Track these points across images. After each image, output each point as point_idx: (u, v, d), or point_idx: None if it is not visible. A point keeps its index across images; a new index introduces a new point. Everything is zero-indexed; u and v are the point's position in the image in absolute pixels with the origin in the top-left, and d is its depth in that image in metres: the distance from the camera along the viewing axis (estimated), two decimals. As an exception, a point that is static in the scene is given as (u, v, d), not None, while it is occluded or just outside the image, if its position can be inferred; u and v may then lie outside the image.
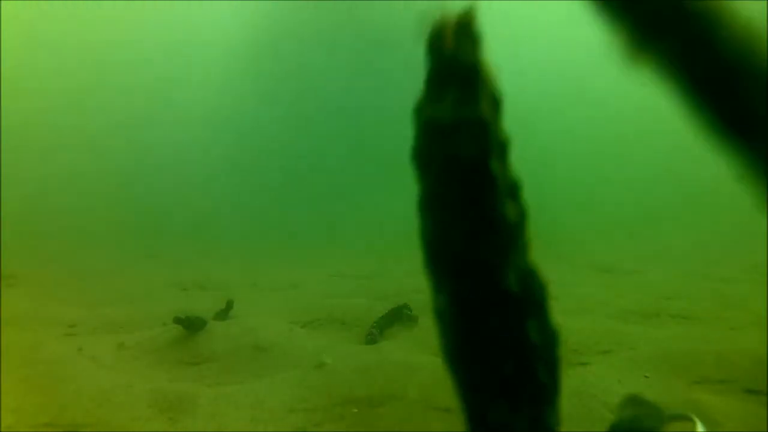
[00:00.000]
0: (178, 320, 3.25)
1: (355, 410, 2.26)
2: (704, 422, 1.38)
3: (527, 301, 0.55)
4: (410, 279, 5.72)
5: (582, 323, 3.45)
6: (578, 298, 4.37)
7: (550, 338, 0.58)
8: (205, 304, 3.97)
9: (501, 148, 0.51)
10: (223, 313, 3.73)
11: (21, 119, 16.36)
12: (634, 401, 1.52)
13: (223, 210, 12.63)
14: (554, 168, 21.88)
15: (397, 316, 3.68)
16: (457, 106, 0.47)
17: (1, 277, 5.15)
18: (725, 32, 0.38)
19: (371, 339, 3.28)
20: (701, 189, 17.35)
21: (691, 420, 1.40)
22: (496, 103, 0.51)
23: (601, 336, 3.18)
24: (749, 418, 2.11)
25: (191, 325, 3.24)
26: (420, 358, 2.70)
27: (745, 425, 2.05)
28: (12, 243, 6.89)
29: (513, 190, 0.54)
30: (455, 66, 0.48)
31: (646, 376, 2.56)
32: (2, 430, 2.07)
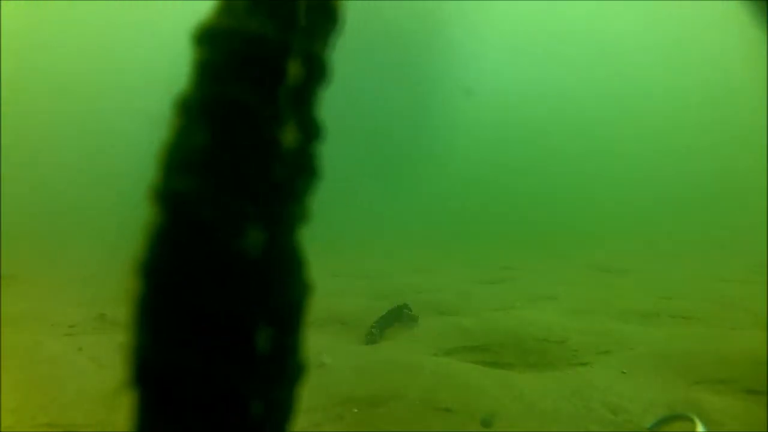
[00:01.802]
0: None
1: (355, 410, 2.26)
2: (704, 422, 1.38)
3: (269, 288, 0.34)
4: (410, 279, 5.73)
5: (582, 323, 3.45)
6: (578, 298, 4.38)
7: (288, 362, 0.38)
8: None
9: (311, 61, 0.35)
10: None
11: (21, 119, 16.35)
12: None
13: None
14: (554, 168, 21.88)
15: (397, 316, 3.68)
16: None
17: (1, 277, 5.15)
18: None
19: (371, 339, 3.28)
20: (701, 189, 17.35)
21: (691, 420, 1.40)
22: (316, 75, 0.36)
23: (601, 336, 3.18)
24: (749, 418, 2.11)
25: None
26: (420, 358, 2.70)
27: (745, 425, 2.05)
28: (12, 243, 6.89)
29: (308, 123, 0.36)
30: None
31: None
32: (2, 430, 2.07)
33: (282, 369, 0.37)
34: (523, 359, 2.93)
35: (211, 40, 0.34)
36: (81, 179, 15.26)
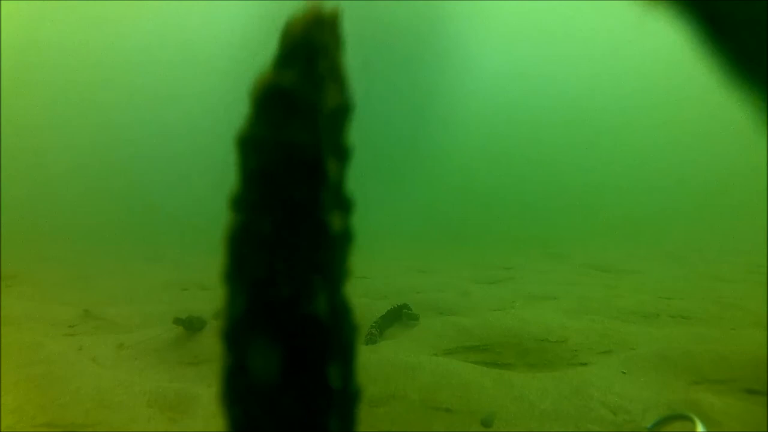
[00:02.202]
0: (178, 321, 3.25)
1: (355, 410, 2.26)
2: (704, 422, 1.38)
3: (335, 340, 0.44)
4: (410, 279, 5.73)
5: (582, 323, 3.45)
6: (578, 298, 4.38)
7: (352, 392, 0.47)
8: (205, 304, 3.97)
9: (340, 151, 0.44)
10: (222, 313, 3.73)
11: (21, 119, 16.35)
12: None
13: (223, 210, 12.62)
14: (554, 168, 21.87)
15: (397, 316, 3.68)
16: (295, 96, 0.41)
17: (1, 277, 5.15)
18: None
19: (371, 339, 3.28)
20: (701, 189, 17.35)
21: (691, 420, 1.40)
22: (344, 103, 0.44)
23: (601, 336, 3.18)
24: (749, 418, 2.11)
25: (191, 325, 3.24)
26: (420, 358, 2.70)
27: (745, 425, 2.05)
28: (12, 243, 6.89)
29: (344, 204, 0.45)
30: (300, 46, 0.42)
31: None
32: (2, 430, 2.07)
33: (348, 394, 0.47)
34: (523, 359, 2.93)
35: (254, 148, 0.42)
36: (81, 179, 15.26)
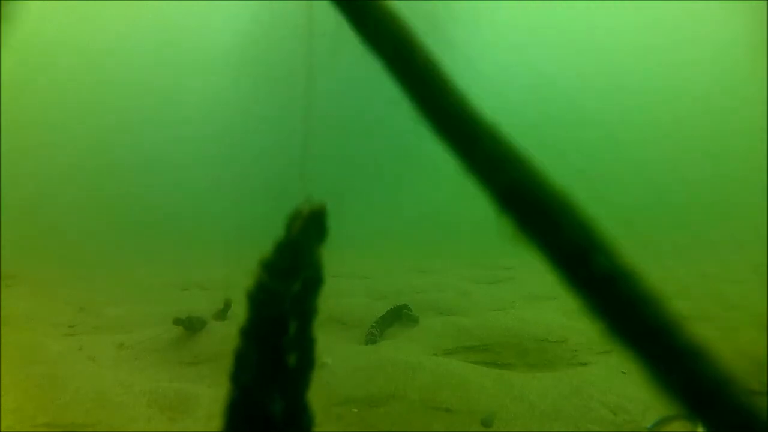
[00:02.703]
0: (178, 321, 3.25)
1: (355, 410, 2.26)
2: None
3: (288, 429, 0.69)
4: (410, 279, 5.73)
5: (582, 323, 3.45)
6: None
7: None
8: (205, 304, 3.97)
9: (305, 313, 0.71)
10: (222, 313, 3.74)
11: (21, 119, 16.36)
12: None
13: (223, 210, 12.64)
14: (554, 167, 21.87)
15: (397, 316, 3.68)
16: (281, 279, 0.69)
17: (1, 277, 5.15)
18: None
19: (371, 339, 3.28)
20: (701, 189, 17.36)
21: (691, 420, 1.40)
22: (312, 284, 0.72)
23: (601, 336, 3.17)
24: (749, 418, 2.11)
25: (191, 325, 3.24)
26: (420, 358, 2.70)
27: (745, 425, 2.05)
28: (12, 243, 6.89)
29: (304, 344, 0.71)
30: (294, 250, 0.70)
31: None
32: (2, 430, 2.07)
33: (299, 415, 0.72)
34: (523, 359, 2.94)
35: (253, 303, 0.69)
36: (81, 179, 15.26)
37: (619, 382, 2.44)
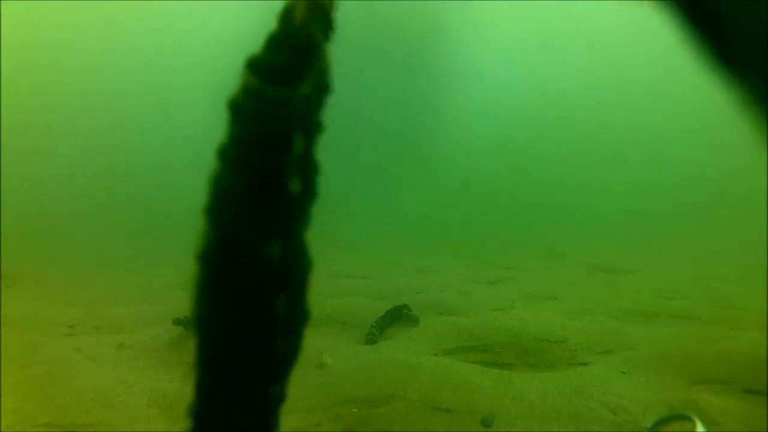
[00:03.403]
0: (178, 321, 3.25)
1: (355, 410, 2.26)
2: (704, 422, 1.37)
3: (284, 276, 0.55)
4: (410, 279, 5.73)
5: (582, 323, 3.45)
6: (578, 298, 4.38)
7: (298, 318, 0.59)
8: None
9: (310, 128, 0.54)
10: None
11: (21, 119, 16.36)
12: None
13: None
14: (554, 167, 21.88)
15: (397, 316, 3.68)
16: (278, 77, 0.51)
17: (1, 277, 5.15)
18: None
19: (371, 339, 3.28)
20: (701, 189, 17.35)
21: (691, 420, 1.40)
22: (320, 87, 0.53)
23: (601, 336, 3.18)
24: (749, 418, 2.11)
25: (191, 325, 3.23)
26: (420, 358, 2.70)
27: (745, 425, 2.05)
28: (12, 243, 6.89)
29: (307, 169, 0.54)
30: (294, 44, 0.51)
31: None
32: (2, 430, 2.07)
33: (294, 319, 0.58)
34: (523, 359, 2.93)
35: (239, 114, 0.51)
36: (81, 179, 15.26)
37: (619, 382, 2.44)
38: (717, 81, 0.41)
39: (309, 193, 0.55)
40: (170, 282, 5.56)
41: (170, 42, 19.93)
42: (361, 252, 8.74)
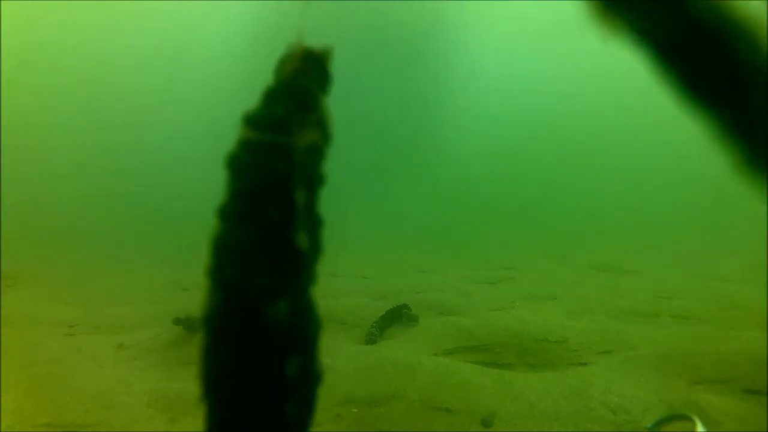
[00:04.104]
0: (178, 321, 3.25)
1: (355, 410, 2.26)
2: (704, 422, 1.38)
3: (294, 336, 0.52)
4: (410, 279, 5.73)
5: (582, 323, 3.45)
6: (578, 298, 4.38)
7: (310, 379, 0.56)
8: (205, 304, 3.97)
9: (311, 181, 0.52)
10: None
11: (21, 119, 16.35)
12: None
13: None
14: (554, 168, 21.87)
15: (397, 316, 3.68)
16: (276, 127, 0.50)
17: (1, 277, 5.15)
18: None
19: (371, 339, 3.28)
20: (701, 189, 17.35)
21: (691, 420, 1.40)
22: (319, 137, 0.52)
23: (601, 336, 3.18)
24: (749, 418, 2.11)
25: (191, 325, 3.24)
26: (420, 358, 2.70)
27: (745, 425, 2.05)
28: (12, 243, 6.89)
29: (313, 224, 0.53)
30: (291, 95, 0.51)
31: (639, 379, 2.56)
32: (2, 430, 2.07)
33: (306, 383, 0.55)
34: (523, 359, 2.93)
35: (239, 168, 0.50)
36: (80, 179, 15.26)
37: (619, 382, 2.44)
38: (688, 112, 0.41)
39: (315, 248, 0.53)
40: (170, 282, 5.56)
41: (170, 41, 19.93)
42: (362, 252, 8.74)
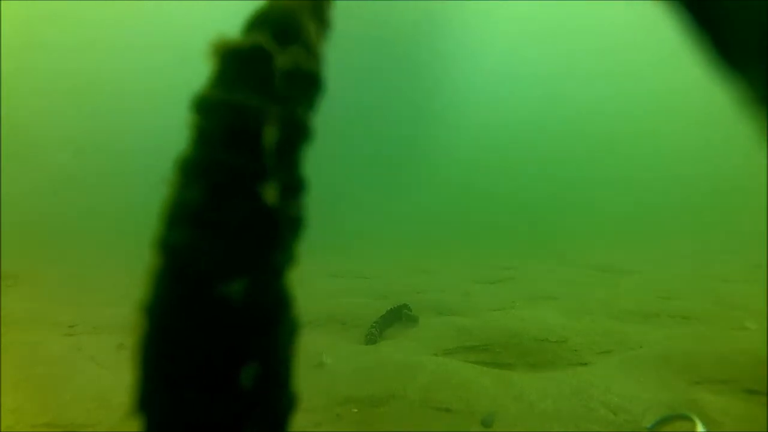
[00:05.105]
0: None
1: (355, 410, 2.26)
2: (704, 422, 1.38)
3: (253, 331, 0.38)
4: (410, 279, 5.73)
5: (582, 323, 3.45)
6: (578, 298, 4.38)
7: (277, 399, 0.41)
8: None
9: (293, 127, 0.41)
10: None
11: (21, 119, 16.35)
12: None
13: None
14: (554, 168, 21.86)
15: (397, 316, 3.68)
16: (251, 58, 0.40)
17: (1, 277, 5.15)
18: None
19: (371, 339, 3.28)
20: (701, 189, 17.34)
21: (691, 420, 1.41)
22: (305, 78, 0.42)
23: (601, 336, 3.18)
24: (749, 418, 2.11)
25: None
26: (420, 358, 2.70)
27: (745, 425, 2.05)
28: (12, 243, 6.89)
29: (290, 182, 0.41)
30: (273, 15, 0.41)
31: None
32: (2, 430, 2.07)
33: (268, 400, 0.40)
34: (523, 359, 2.93)
35: (203, 109, 0.40)
36: (80, 179, 15.26)
37: (619, 382, 2.44)
38: (718, 79, 0.41)
39: (292, 214, 0.41)
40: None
41: (171, 41, 19.93)
42: (362, 252, 8.73)
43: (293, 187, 0.41)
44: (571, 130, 24.54)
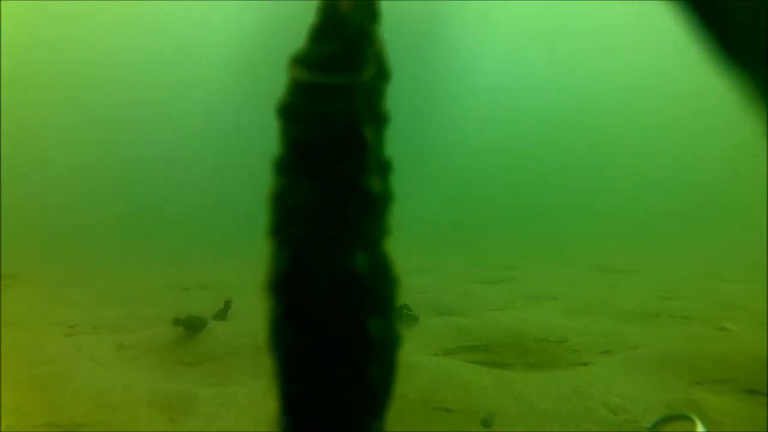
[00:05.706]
0: (178, 321, 3.25)
1: (355, 410, 2.26)
2: (704, 422, 1.38)
3: (374, 293, 0.48)
4: (410, 279, 5.73)
5: (582, 323, 3.45)
6: (578, 298, 4.38)
7: (391, 341, 0.52)
8: (205, 304, 3.97)
9: (377, 120, 0.47)
10: (222, 313, 3.74)
11: (21, 119, 16.36)
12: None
13: (223, 209, 12.64)
14: (554, 168, 21.88)
15: (397, 316, 3.68)
16: (334, 66, 0.45)
17: (1, 277, 5.16)
18: None
19: (371, 339, 3.27)
20: (701, 189, 17.35)
21: (691, 420, 1.41)
22: (380, 73, 0.47)
23: (601, 336, 3.18)
24: (749, 418, 2.11)
25: (191, 325, 3.24)
26: (420, 358, 2.70)
27: (745, 425, 2.05)
28: (12, 243, 6.89)
29: (382, 168, 0.48)
30: (342, 26, 0.45)
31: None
32: (2, 430, 2.07)
33: (387, 344, 0.51)
34: (523, 359, 2.93)
35: (297, 115, 0.45)
36: (80, 179, 15.26)
37: (619, 382, 2.44)
38: (721, 75, 0.41)
39: (386, 195, 0.48)
40: (170, 282, 5.56)
41: (171, 41, 19.93)
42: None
43: (384, 169, 0.49)
44: (571, 130, 24.54)
